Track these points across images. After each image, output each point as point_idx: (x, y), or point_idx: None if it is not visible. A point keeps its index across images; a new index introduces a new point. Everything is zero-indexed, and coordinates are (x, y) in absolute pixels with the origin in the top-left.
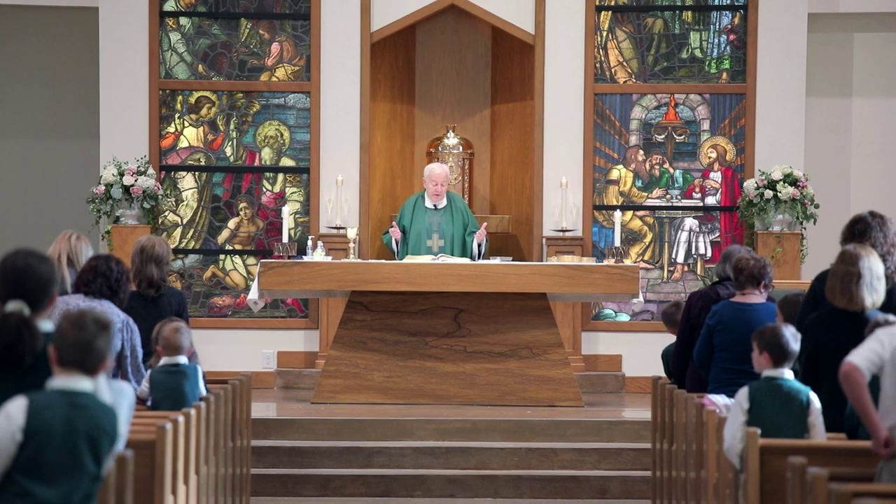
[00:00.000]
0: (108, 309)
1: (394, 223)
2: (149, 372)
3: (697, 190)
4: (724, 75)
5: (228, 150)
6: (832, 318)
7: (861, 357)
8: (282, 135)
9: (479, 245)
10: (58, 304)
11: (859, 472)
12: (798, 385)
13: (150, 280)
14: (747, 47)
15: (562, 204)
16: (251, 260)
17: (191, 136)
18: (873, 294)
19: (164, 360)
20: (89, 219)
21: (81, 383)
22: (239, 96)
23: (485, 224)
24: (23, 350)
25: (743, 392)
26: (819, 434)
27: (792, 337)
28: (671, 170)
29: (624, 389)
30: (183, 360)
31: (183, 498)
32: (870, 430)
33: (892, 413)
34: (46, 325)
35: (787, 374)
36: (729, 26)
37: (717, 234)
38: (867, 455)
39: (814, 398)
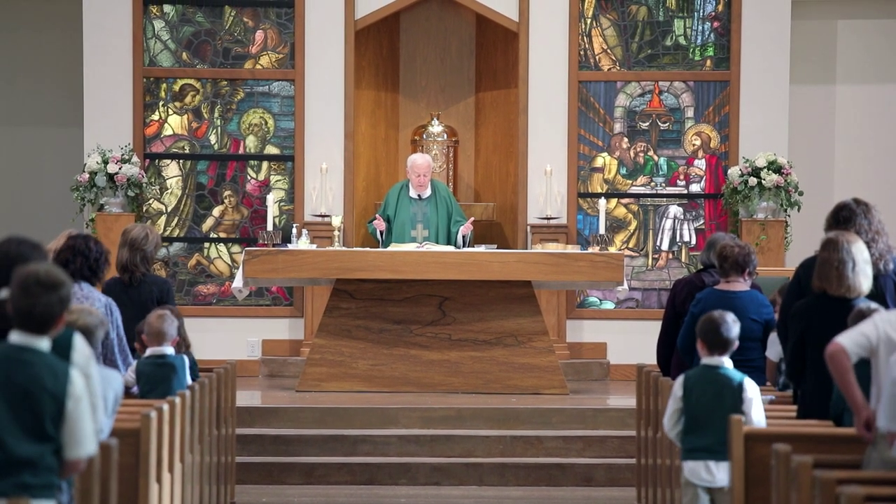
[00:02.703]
0: (88, 293)
1: (377, 216)
2: (135, 362)
3: (682, 177)
4: (708, 62)
5: (213, 138)
6: (818, 304)
7: (849, 339)
8: (266, 122)
9: (464, 237)
10: None
11: (844, 459)
12: (733, 373)
13: (124, 265)
14: (731, 34)
15: (546, 192)
16: (236, 248)
17: (175, 123)
18: (867, 280)
19: (150, 351)
20: (73, 207)
21: (34, 341)
22: (223, 84)
23: (471, 219)
24: None
25: (679, 380)
26: (751, 423)
27: (729, 325)
28: (655, 157)
29: (609, 377)
30: (169, 350)
31: (168, 486)
32: (853, 409)
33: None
34: None
35: (726, 362)
36: (713, 13)
37: (702, 221)
38: (852, 442)
39: (748, 385)
